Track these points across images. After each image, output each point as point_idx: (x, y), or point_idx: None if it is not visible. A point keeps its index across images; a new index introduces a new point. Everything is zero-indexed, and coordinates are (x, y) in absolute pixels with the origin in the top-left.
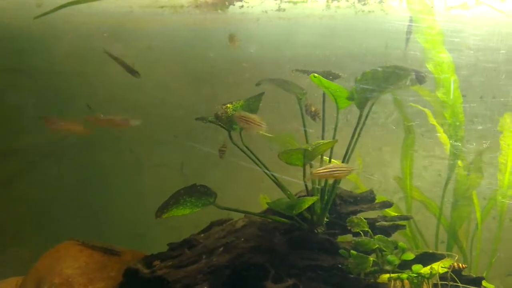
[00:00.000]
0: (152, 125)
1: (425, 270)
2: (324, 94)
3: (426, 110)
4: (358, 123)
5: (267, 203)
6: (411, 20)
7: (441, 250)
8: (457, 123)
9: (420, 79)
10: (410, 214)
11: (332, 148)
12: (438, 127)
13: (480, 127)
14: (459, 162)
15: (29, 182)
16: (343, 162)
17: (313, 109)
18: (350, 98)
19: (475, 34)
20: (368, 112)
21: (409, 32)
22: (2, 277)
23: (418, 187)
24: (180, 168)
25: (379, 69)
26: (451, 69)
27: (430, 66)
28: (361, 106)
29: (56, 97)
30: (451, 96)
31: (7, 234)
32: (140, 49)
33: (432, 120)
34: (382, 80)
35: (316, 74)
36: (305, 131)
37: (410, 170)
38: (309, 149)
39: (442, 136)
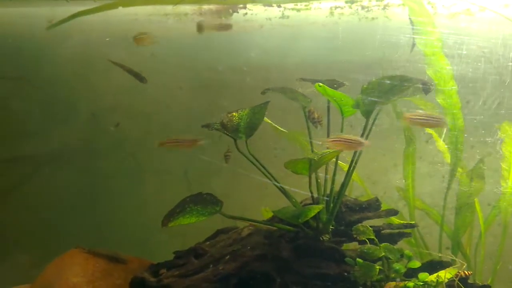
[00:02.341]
0: (156, 132)
1: (431, 278)
2: (329, 102)
3: None
4: (364, 131)
5: (273, 211)
6: (413, 30)
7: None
8: (457, 128)
9: (426, 88)
10: (414, 221)
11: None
12: (435, 135)
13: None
14: (459, 168)
15: (32, 189)
16: (349, 170)
17: (316, 115)
18: (356, 106)
19: (478, 41)
20: (374, 120)
21: (413, 44)
22: (4, 285)
23: (422, 194)
24: (184, 175)
25: (386, 78)
26: (450, 76)
27: (430, 73)
28: (366, 115)
29: (60, 104)
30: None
31: (9, 241)
32: (144, 55)
33: (428, 129)
34: (388, 89)
35: (320, 84)
36: (310, 139)
37: (412, 178)
38: (315, 158)
39: (440, 143)
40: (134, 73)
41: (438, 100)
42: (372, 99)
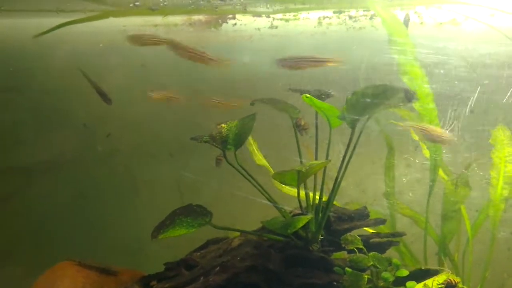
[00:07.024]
0: (147, 142)
1: (419, 286)
2: (317, 113)
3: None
4: (350, 141)
5: (262, 222)
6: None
7: (433, 263)
8: None
9: (409, 97)
10: (395, 230)
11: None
12: (422, 143)
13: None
14: (442, 174)
15: (25, 200)
16: (336, 180)
17: (302, 123)
18: (342, 117)
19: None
20: (361, 130)
21: None
22: None
23: (409, 201)
24: (177, 185)
25: (369, 88)
26: (425, 82)
27: (406, 80)
28: (352, 125)
29: (51, 115)
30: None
31: (1, 252)
32: (134, 66)
33: (415, 136)
34: (372, 99)
35: (308, 95)
36: (299, 150)
37: (393, 186)
38: (303, 170)
39: (425, 151)
40: (102, 93)
41: (416, 107)
42: (356, 110)
